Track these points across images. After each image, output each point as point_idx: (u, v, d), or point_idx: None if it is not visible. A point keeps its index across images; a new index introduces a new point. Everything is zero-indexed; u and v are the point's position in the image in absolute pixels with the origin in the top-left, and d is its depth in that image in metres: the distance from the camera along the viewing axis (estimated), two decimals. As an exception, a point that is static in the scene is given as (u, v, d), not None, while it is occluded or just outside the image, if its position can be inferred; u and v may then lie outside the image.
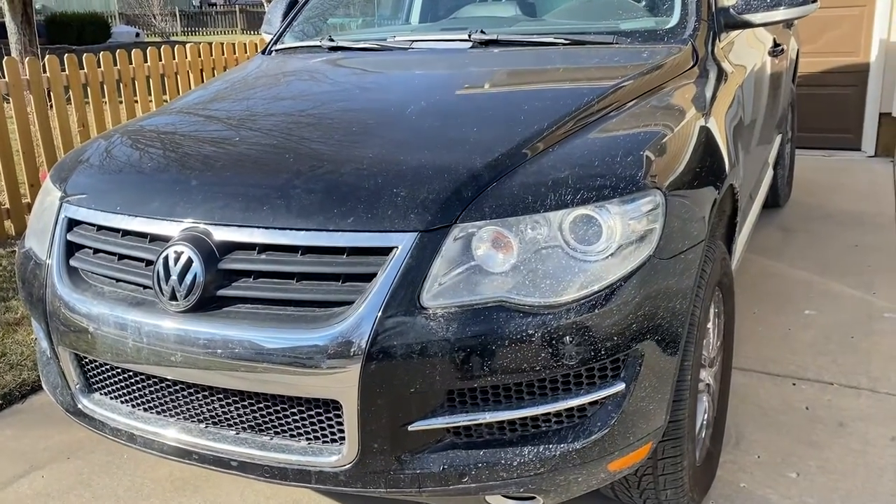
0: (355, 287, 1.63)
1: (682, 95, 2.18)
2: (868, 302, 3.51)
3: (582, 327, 1.60)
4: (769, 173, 3.72)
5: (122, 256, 1.89)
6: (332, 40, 2.92)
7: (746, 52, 2.94)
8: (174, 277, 1.72)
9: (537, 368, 1.60)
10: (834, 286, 3.70)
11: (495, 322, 1.58)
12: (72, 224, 2.01)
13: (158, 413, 1.89)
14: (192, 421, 1.84)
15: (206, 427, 1.82)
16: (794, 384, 2.87)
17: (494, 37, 2.59)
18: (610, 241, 1.67)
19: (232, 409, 1.78)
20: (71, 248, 2.00)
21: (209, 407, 1.80)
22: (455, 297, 1.60)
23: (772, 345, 3.16)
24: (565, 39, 2.51)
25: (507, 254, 1.64)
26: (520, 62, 2.44)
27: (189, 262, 1.71)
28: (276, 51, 3.11)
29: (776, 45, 3.50)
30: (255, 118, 2.24)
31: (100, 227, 1.95)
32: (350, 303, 1.62)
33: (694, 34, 2.48)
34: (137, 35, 28.65)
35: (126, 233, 1.89)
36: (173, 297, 1.72)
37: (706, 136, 2.10)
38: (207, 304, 1.72)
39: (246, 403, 1.76)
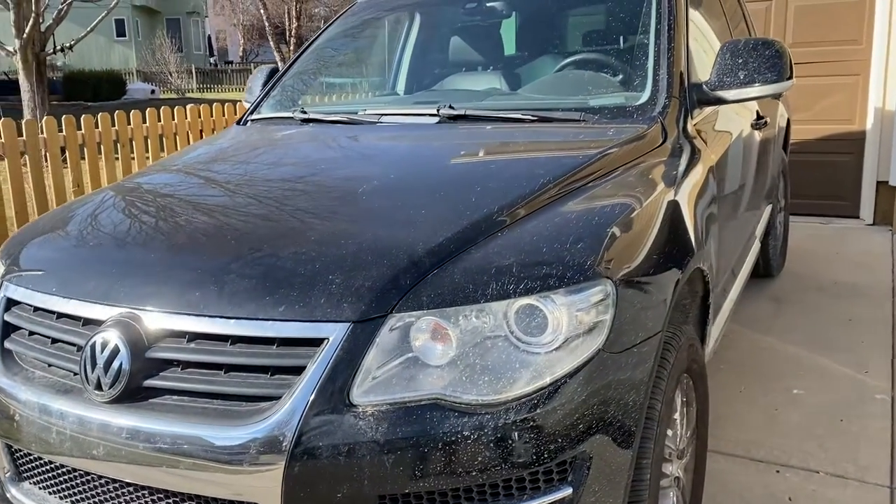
0: (284, 381, 1.55)
1: (646, 175, 2.12)
2: (859, 381, 3.38)
3: (524, 428, 1.51)
4: (755, 246, 3.64)
5: (54, 340, 1.82)
6: (304, 112, 2.90)
7: (724, 126, 2.89)
8: (100, 366, 1.64)
9: (475, 473, 1.50)
10: (824, 363, 3.58)
11: (429, 422, 1.49)
12: (10, 304, 1.95)
13: (79, 506, 1.79)
14: (116, 517, 1.74)
15: (131, 524, 1.72)
16: (777, 471, 2.74)
17: (462, 112, 2.55)
18: (556, 334, 1.59)
19: (154, 506, 1.68)
20: (8, 330, 1.94)
21: (137, 503, 1.71)
22: (387, 393, 1.52)
23: (757, 427, 3.03)
24: (532, 115, 2.47)
25: (445, 346, 1.56)
26: (482, 139, 2.39)
27: (116, 349, 1.64)
28: (252, 120, 3.10)
29: (759, 117, 3.46)
30: (206, 196, 2.20)
31: (36, 309, 1.89)
32: (278, 398, 1.54)
33: (664, 111, 2.43)
34: (153, 92, 29.24)
35: (60, 315, 1.82)
36: (99, 387, 1.65)
37: (671, 218, 2.03)
38: (134, 394, 1.64)
39: (173, 501, 1.66)
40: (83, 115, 6.30)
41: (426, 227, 1.76)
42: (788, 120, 4.75)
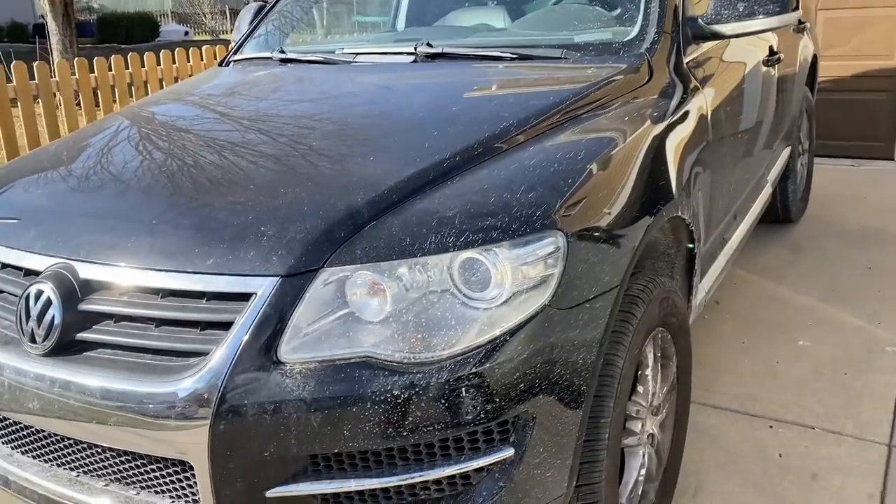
0: (213, 336, 1.49)
1: (623, 117, 1.98)
2: (870, 333, 3.22)
3: (460, 387, 1.43)
4: (766, 191, 3.46)
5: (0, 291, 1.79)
6: (283, 52, 2.80)
7: (727, 63, 2.71)
8: (33, 317, 1.60)
9: (407, 433, 1.43)
10: (836, 314, 3.42)
11: (358, 381, 1.42)
12: (-38, 254, 1.92)
13: (33, 458, 1.78)
14: (64, 469, 1.73)
15: (77, 476, 1.71)
16: (771, 426, 2.63)
17: (440, 50, 2.42)
18: (500, 289, 1.50)
19: (98, 459, 1.65)
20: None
21: (77, 456, 1.69)
22: (317, 350, 1.45)
23: (755, 380, 2.91)
24: (511, 53, 2.32)
25: (381, 301, 1.47)
26: (454, 80, 2.26)
27: (48, 302, 1.59)
28: (234, 61, 3.00)
29: (773, 53, 3.24)
30: (152, 144, 2.11)
31: (-16, 259, 1.85)
32: (207, 354, 1.48)
33: (652, 48, 2.27)
34: (186, 34, 29.11)
35: (5, 266, 1.79)
36: (33, 339, 1.61)
37: (646, 163, 1.89)
38: (68, 347, 1.60)
39: (109, 455, 1.63)
40: (96, 59, 6.26)
41: (371, 175, 1.66)
42: (815, 56, 4.47)
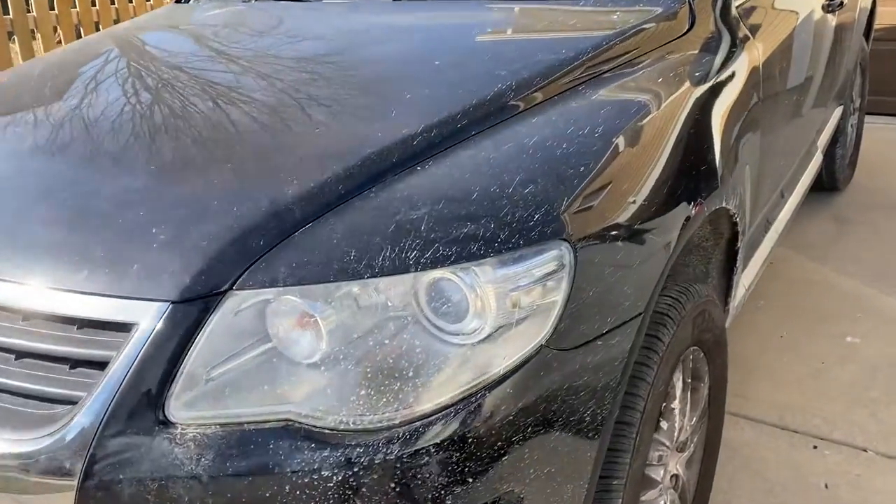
0: (86, 379, 1.09)
1: (657, 77, 1.52)
2: (931, 329, 2.78)
3: (418, 466, 1.03)
4: (817, 158, 2.99)
5: None
6: (248, -14, 2.34)
7: (785, 7, 2.21)
8: None
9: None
10: (889, 303, 2.97)
11: (272, 456, 1.02)
12: None
13: None
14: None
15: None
16: (815, 447, 2.23)
17: (429, -15, 1.96)
18: (481, 321, 1.08)
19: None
20: None
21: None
22: (218, 406, 1.04)
23: (796, 385, 2.50)
24: (518, -9, 1.86)
25: (314, 341, 1.06)
26: (438, 25, 1.80)
27: None
28: (195, -3, 2.54)
29: (834, -4, 2.72)
30: (44, 105, 1.66)
31: None
32: (76, 402, 1.08)
33: (694, -12, 1.79)
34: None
35: None
36: None
37: (687, 142, 1.45)
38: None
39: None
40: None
41: (312, 156, 1.24)
42: (874, 0, 3.92)
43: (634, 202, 1.26)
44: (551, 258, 1.11)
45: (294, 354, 1.07)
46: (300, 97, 1.46)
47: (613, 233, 1.20)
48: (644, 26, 1.64)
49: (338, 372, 1.05)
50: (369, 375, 1.03)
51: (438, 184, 1.18)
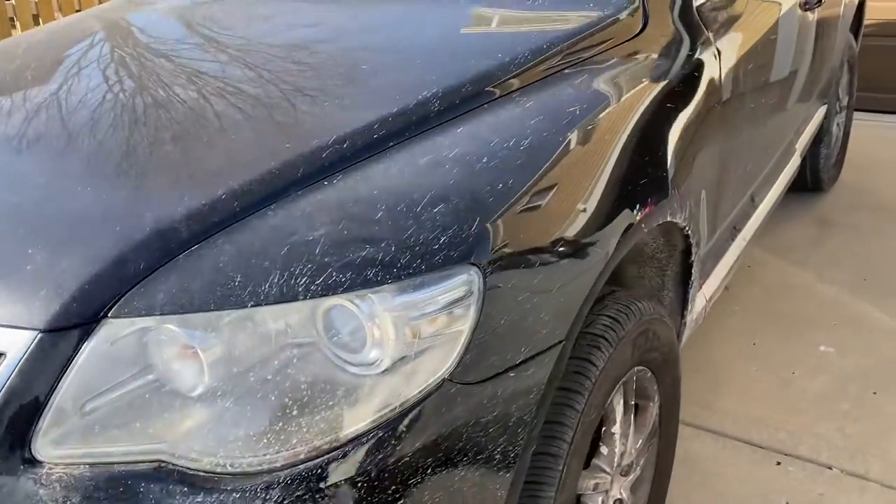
0: (-47, 411, 1.02)
1: (597, 85, 1.43)
2: (907, 339, 2.70)
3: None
4: (792, 163, 2.89)
5: None
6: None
7: (756, 7, 2.11)
8: None
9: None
10: (867, 310, 2.89)
11: (143, 502, 0.94)
12: None
13: None
14: None
15: None
16: (778, 463, 2.15)
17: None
18: (381, 351, 1.00)
19: None
20: None
21: None
22: (88, 444, 0.97)
23: (764, 396, 2.42)
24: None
25: (196, 374, 0.99)
26: (366, 25, 1.69)
27: None
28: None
29: (813, -7, 2.62)
30: None
31: None
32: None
33: (650, -15, 1.69)
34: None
35: None
36: None
37: (627, 154, 1.36)
38: None
39: None
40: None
41: (204, 170, 1.15)
42: (864, -5, 3.81)
43: (558, 222, 1.17)
44: (458, 284, 1.03)
45: (177, 388, 0.99)
46: (201, 103, 1.37)
47: (531, 255, 1.12)
48: (590, 28, 1.55)
49: (218, 409, 0.97)
50: (249, 414, 0.96)
51: (344, 201, 1.09)
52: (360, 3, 1.81)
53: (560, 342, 1.15)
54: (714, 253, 2.07)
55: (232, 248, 1.03)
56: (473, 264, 1.04)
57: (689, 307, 1.83)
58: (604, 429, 1.47)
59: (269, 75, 1.43)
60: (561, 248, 1.16)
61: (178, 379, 0.99)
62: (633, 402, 1.54)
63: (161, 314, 0.98)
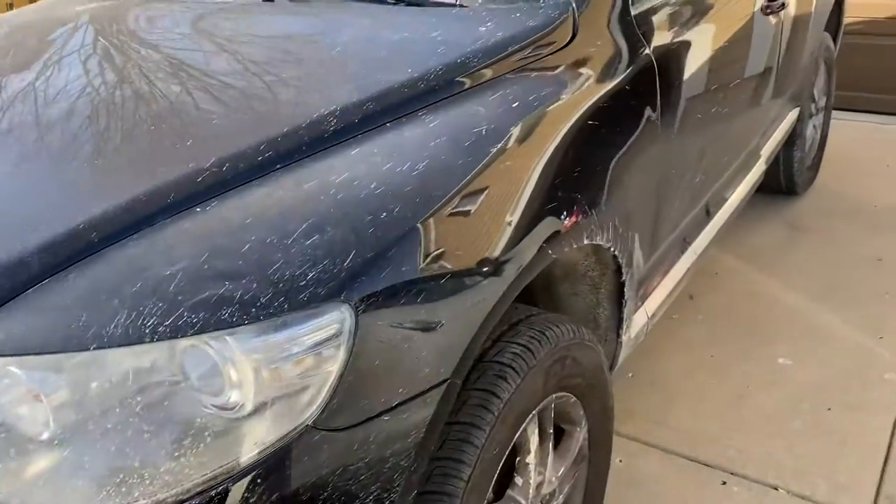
0: None
1: (511, 101, 1.36)
2: (868, 352, 2.64)
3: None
4: (756, 169, 2.82)
5: None
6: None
7: (706, 15, 2.04)
8: None
9: None
10: (830, 321, 2.83)
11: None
12: None
13: None
14: None
15: None
16: (724, 482, 2.10)
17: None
18: (241, 394, 0.94)
19: None
20: None
21: None
22: None
23: (717, 412, 2.36)
24: (391, -6, 1.69)
25: (43, 420, 0.93)
26: (268, 33, 1.62)
27: None
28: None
29: (774, -3, 2.54)
30: None
31: None
32: None
33: (583, -6, 1.62)
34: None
35: None
36: None
37: (533, 175, 1.29)
38: None
39: None
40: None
41: (61, 201, 1.09)
42: (841, -7, 3.73)
43: (449, 254, 1.11)
44: (326, 323, 0.97)
45: (21, 434, 0.93)
46: (63, 120, 1.29)
47: (414, 290, 1.05)
48: (512, 41, 1.48)
49: (60, 457, 0.91)
50: (87, 464, 0.90)
51: (212, 231, 1.03)
52: (257, 11, 1.74)
53: (445, 381, 1.08)
54: (659, 268, 2.00)
55: (84, 283, 0.96)
56: (344, 302, 0.98)
57: (625, 327, 1.77)
58: (517, 459, 1.41)
59: (149, 89, 1.36)
60: (448, 282, 1.10)
61: (22, 424, 0.93)
62: (550, 430, 1.48)
63: (2, 355, 0.92)
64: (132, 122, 1.27)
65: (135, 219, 1.04)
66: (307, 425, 0.96)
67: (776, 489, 2.06)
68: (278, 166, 1.15)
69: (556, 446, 1.57)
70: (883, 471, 2.11)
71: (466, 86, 1.36)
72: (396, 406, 1.02)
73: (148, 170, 1.12)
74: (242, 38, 1.60)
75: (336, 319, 0.98)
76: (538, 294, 1.74)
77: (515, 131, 1.30)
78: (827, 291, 3.02)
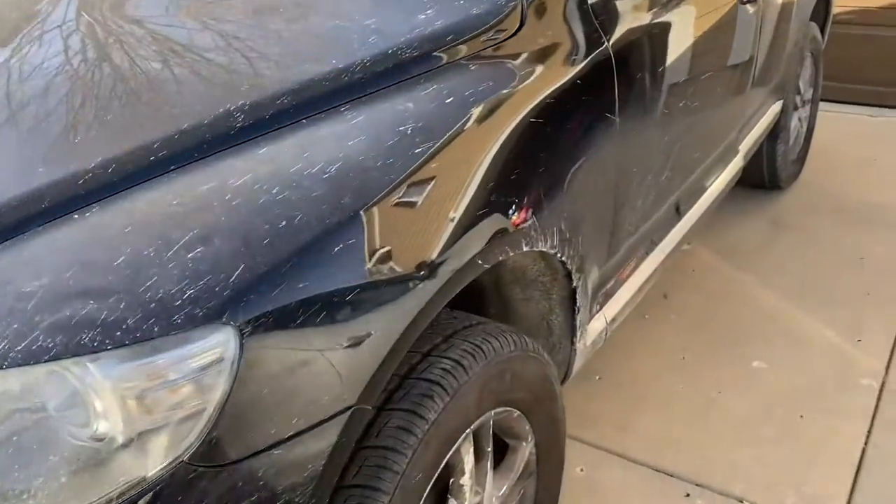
0: None
1: (446, 96, 1.25)
2: (846, 355, 2.54)
3: None
4: (735, 164, 2.71)
5: None
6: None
7: (666, 6, 1.92)
8: None
9: None
10: (807, 322, 2.73)
11: None
12: None
13: None
14: None
15: None
16: (687, 494, 2.01)
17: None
18: (110, 428, 0.85)
19: None
20: None
21: None
22: None
23: (685, 418, 2.27)
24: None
25: None
26: (177, 18, 1.50)
27: None
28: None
29: (753, -15, 2.43)
30: None
31: None
32: None
33: (529, -21, 1.50)
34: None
35: None
36: None
37: (467, 175, 1.19)
38: None
39: None
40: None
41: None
42: (829, -18, 3.61)
43: (353, 268, 1.00)
44: (204, 348, 0.87)
45: None
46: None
47: (313, 309, 0.95)
48: (451, 29, 1.37)
49: None
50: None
51: (86, 241, 0.93)
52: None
53: (349, 408, 0.98)
54: (621, 271, 1.90)
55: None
56: (227, 323, 0.88)
57: (578, 335, 1.67)
58: (451, 480, 1.32)
59: (31, 77, 1.25)
60: (356, 299, 0.99)
61: None
62: (489, 449, 1.39)
63: None
64: (6, 116, 1.16)
65: (2, 227, 0.94)
66: (182, 461, 0.86)
67: (741, 501, 1.97)
68: (173, 167, 1.04)
69: (499, 463, 1.48)
70: (855, 481, 2.02)
71: (397, 79, 1.25)
72: (289, 438, 0.92)
73: (22, 171, 1.01)
74: (151, 20, 1.48)
75: (217, 343, 0.87)
76: (490, 298, 1.64)
77: (445, 129, 1.19)
78: (806, 291, 2.92)
